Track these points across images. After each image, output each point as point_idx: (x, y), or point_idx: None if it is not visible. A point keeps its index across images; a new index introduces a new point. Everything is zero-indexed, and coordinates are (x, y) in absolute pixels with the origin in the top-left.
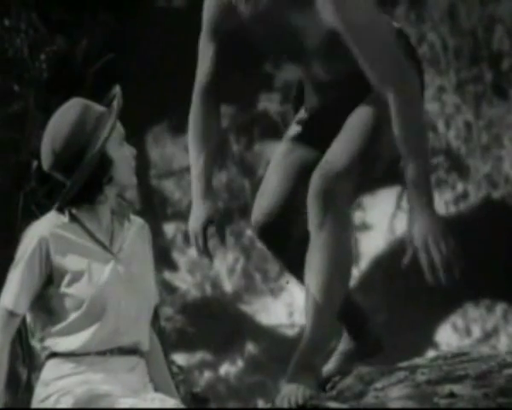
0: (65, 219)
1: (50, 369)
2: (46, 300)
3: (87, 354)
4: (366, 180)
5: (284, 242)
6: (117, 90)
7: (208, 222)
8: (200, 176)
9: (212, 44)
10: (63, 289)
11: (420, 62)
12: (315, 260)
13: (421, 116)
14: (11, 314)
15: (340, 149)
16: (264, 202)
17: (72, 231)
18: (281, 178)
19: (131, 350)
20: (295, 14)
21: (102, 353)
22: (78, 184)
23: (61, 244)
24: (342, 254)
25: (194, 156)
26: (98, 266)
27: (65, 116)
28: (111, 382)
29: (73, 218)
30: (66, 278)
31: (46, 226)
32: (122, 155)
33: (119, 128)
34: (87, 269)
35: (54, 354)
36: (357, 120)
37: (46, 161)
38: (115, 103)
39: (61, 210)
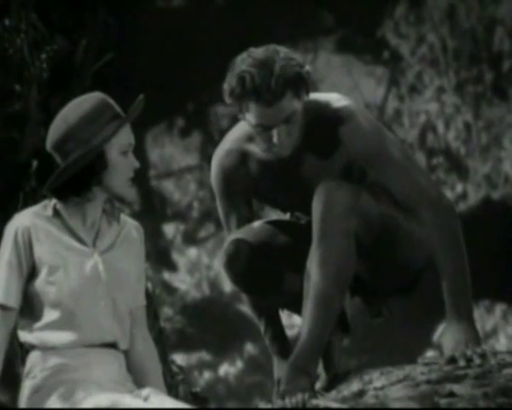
0: (48, 212)
1: (33, 361)
2: (25, 294)
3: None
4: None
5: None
6: (139, 99)
7: None
8: None
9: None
10: (40, 283)
11: None
12: (315, 268)
13: (459, 230)
14: (3, 309)
15: None
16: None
17: (54, 225)
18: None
19: (111, 345)
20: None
21: (86, 347)
22: (66, 174)
23: (41, 235)
24: (342, 265)
25: None
26: (76, 263)
27: (81, 104)
28: (95, 374)
29: (56, 213)
30: (43, 272)
31: (28, 217)
32: (121, 164)
33: (127, 137)
34: (64, 265)
35: (35, 347)
36: None
37: (49, 139)
38: (130, 111)
39: (49, 196)
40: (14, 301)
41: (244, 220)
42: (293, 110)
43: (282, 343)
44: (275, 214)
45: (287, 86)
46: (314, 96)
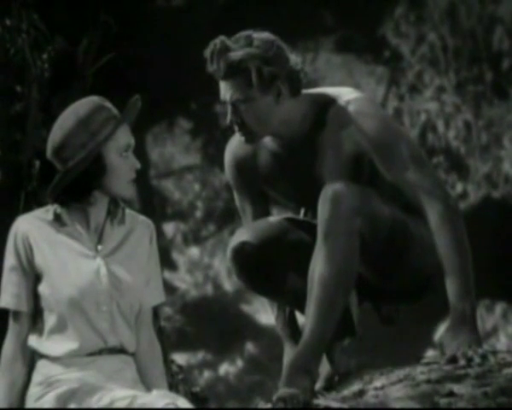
0: (49, 217)
1: (41, 370)
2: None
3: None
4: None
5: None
6: (133, 98)
7: None
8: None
9: (248, 198)
10: (40, 288)
11: None
12: (319, 268)
13: (464, 230)
14: (16, 314)
15: None
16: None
17: (55, 229)
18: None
19: (119, 350)
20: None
21: (91, 354)
22: (65, 180)
23: (40, 239)
24: (346, 265)
25: None
26: (77, 267)
27: (76, 109)
28: (103, 379)
29: (57, 217)
30: (43, 277)
31: (28, 221)
32: (120, 166)
33: (125, 138)
34: (64, 269)
35: (42, 356)
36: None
37: (48, 148)
38: (124, 112)
39: (53, 201)
40: (25, 305)
41: (259, 210)
42: (243, 96)
43: (294, 328)
44: (289, 212)
45: (229, 69)
46: (326, 89)
